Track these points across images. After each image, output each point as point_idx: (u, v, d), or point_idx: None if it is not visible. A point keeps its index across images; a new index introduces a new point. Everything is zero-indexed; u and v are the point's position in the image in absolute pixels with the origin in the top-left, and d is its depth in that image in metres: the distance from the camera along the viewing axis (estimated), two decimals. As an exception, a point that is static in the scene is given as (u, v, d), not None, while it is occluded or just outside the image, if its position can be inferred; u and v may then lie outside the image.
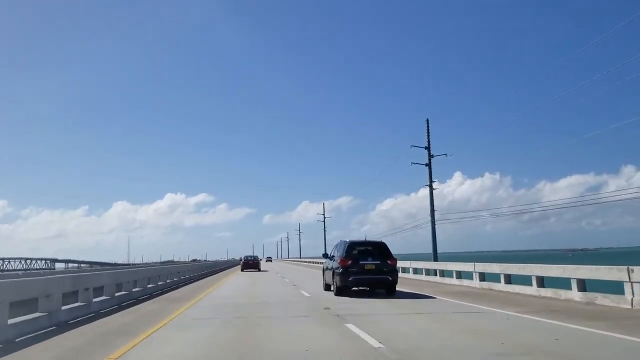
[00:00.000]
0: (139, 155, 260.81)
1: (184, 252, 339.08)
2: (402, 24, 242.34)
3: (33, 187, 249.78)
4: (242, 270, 39.22)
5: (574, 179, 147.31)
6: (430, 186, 33.55)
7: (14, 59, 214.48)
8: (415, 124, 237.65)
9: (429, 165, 33.51)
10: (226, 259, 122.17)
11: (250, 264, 39.90)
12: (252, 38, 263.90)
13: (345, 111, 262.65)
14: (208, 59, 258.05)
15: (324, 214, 78.37)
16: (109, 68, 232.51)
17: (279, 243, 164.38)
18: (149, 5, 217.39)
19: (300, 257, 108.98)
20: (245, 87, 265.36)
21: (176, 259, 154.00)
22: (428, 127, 33.43)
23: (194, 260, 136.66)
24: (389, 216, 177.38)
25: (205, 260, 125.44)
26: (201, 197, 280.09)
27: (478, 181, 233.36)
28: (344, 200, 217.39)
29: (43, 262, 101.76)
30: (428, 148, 33.59)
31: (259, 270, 39.13)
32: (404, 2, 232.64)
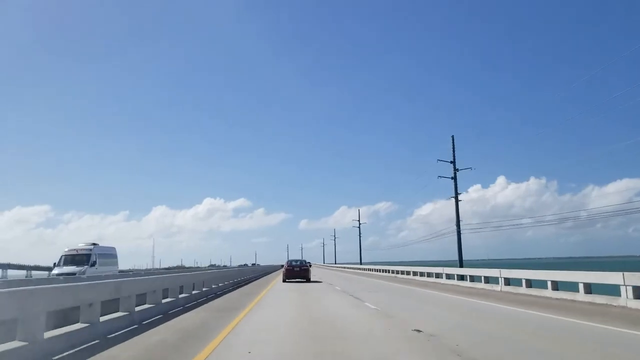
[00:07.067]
0: (179, 159, 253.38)
1: (220, 257, 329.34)
2: (440, 27, 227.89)
3: (75, 191, 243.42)
4: (284, 280, 29.07)
5: (624, 184, 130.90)
6: (456, 198, 36.30)
7: (49, 61, 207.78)
8: (455, 128, 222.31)
9: (454, 178, 36.32)
10: (251, 265, 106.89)
11: (297, 272, 29.33)
12: (290, 45, 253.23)
13: (384, 115, 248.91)
14: (248, 65, 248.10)
15: (359, 220, 72.41)
16: (147, 71, 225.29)
17: (315, 249, 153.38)
18: (188, 6, 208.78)
19: (335, 263, 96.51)
20: (284, 94, 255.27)
21: (202, 265, 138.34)
22: (453, 144, 35.98)
23: (212, 267, 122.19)
24: (427, 222, 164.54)
25: (221, 266, 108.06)
26: (239, 202, 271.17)
27: (523, 185, 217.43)
28: (382, 206, 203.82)
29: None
30: (454, 162, 36.27)
31: (309, 281, 28.96)
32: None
